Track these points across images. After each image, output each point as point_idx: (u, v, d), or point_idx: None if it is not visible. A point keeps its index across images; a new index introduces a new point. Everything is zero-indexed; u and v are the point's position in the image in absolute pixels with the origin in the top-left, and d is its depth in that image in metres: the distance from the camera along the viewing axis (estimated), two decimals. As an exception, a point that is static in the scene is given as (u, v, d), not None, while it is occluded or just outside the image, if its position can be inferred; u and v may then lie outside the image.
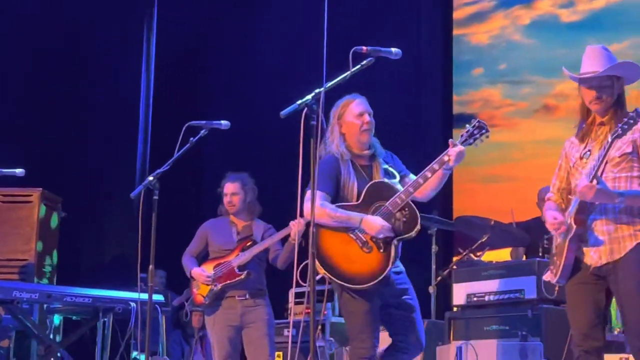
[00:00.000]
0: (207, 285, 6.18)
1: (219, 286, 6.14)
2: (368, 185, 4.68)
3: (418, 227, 4.55)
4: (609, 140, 3.92)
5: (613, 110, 4.14)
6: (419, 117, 9.90)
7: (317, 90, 4.08)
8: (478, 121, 4.53)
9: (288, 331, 7.03)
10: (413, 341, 4.72)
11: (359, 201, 4.67)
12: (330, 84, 4.16)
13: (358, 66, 4.24)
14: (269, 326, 6.17)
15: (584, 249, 4.11)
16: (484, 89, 10.27)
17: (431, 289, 6.81)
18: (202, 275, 6.19)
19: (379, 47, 4.30)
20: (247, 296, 6.16)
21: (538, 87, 9.86)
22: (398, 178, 4.76)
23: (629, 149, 4.07)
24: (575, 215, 4.09)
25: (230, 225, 6.35)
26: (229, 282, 6.13)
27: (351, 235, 4.63)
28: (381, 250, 4.57)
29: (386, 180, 4.71)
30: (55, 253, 7.00)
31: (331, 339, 7.03)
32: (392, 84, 9.16)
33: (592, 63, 4.16)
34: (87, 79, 10.24)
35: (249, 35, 11.13)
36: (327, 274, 4.65)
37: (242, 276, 6.12)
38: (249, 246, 6.19)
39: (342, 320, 7.23)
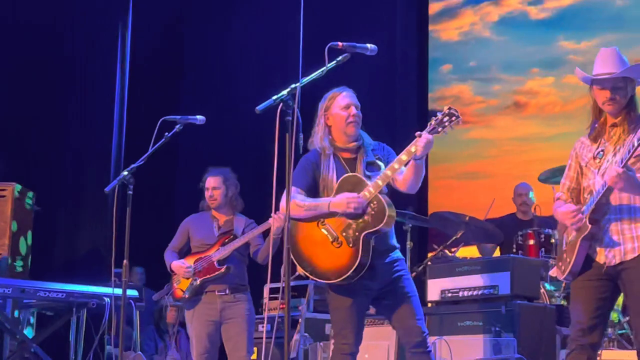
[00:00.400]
0: (187, 279, 6.16)
1: (198, 280, 6.12)
2: (340, 179, 4.65)
3: (386, 220, 4.47)
4: (635, 143, 3.91)
5: (626, 112, 4.16)
6: (395, 112, 9.91)
7: (292, 86, 4.07)
8: (449, 108, 4.46)
9: (263, 326, 7.03)
10: (410, 329, 4.59)
11: (332, 195, 4.63)
12: (306, 79, 4.16)
13: (334, 62, 4.24)
14: (248, 322, 6.14)
15: (598, 248, 4.13)
16: (455, 86, 10.31)
17: (406, 285, 6.82)
18: (182, 267, 6.17)
19: (354, 42, 4.31)
20: (227, 291, 6.13)
21: (508, 84, 9.91)
22: (383, 169, 4.68)
23: None
24: (591, 215, 4.10)
25: (212, 219, 6.33)
26: (208, 276, 6.11)
27: (323, 230, 4.61)
28: (350, 245, 4.52)
29: (359, 173, 4.64)
30: (30, 234, 6.96)
31: (306, 334, 7.04)
32: (368, 79, 9.16)
33: (606, 64, 4.17)
34: (62, 74, 10.18)
35: (225, 30, 11.10)
36: (303, 271, 4.65)
37: (222, 270, 6.10)
38: (229, 241, 6.17)
39: (317, 316, 7.26)
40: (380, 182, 4.51)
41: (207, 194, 6.31)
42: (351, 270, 4.49)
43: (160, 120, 5.40)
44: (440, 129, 4.41)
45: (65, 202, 9.89)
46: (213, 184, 6.29)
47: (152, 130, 5.34)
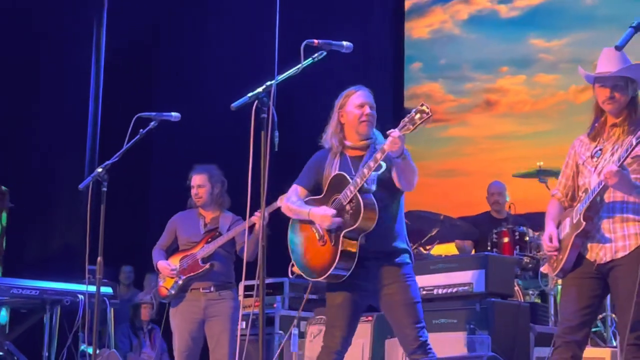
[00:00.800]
0: (172, 278, 6.14)
1: (183, 279, 6.09)
2: (330, 178, 4.65)
3: (361, 220, 4.42)
4: (634, 142, 3.92)
5: (627, 112, 4.17)
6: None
7: (268, 83, 4.07)
8: (421, 105, 4.43)
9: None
10: (406, 336, 4.52)
11: (323, 194, 4.66)
12: (281, 77, 4.15)
13: (309, 59, 4.23)
14: (232, 321, 6.07)
15: (590, 245, 4.15)
16: (425, 84, 10.33)
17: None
18: (166, 268, 6.14)
19: (330, 40, 4.30)
20: (212, 289, 6.08)
21: (478, 82, 9.94)
22: (383, 169, 4.61)
23: None
24: (585, 212, 4.12)
25: (198, 217, 6.29)
26: (192, 274, 6.07)
27: (313, 228, 4.62)
28: (333, 244, 4.52)
29: (358, 172, 4.62)
30: (4, 215, 6.92)
31: (280, 331, 7.03)
32: (344, 77, 9.15)
33: (608, 63, 4.18)
34: (36, 71, 10.12)
35: (201, 27, 11.08)
36: (297, 269, 4.66)
37: (206, 268, 6.06)
38: (214, 238, 6.13)
39: (291, 313, 7.26)
40: (359, 181, 4.50)
41: (192, 192, 6.27)
42: (332, 269, 4.47)
43: (135, 117, 5.38)
44: (411, 126, 4.38)
45: (39, 199, 9.83)
46: (198, 182, 6.26)
47: (127, 127, 5.31)
